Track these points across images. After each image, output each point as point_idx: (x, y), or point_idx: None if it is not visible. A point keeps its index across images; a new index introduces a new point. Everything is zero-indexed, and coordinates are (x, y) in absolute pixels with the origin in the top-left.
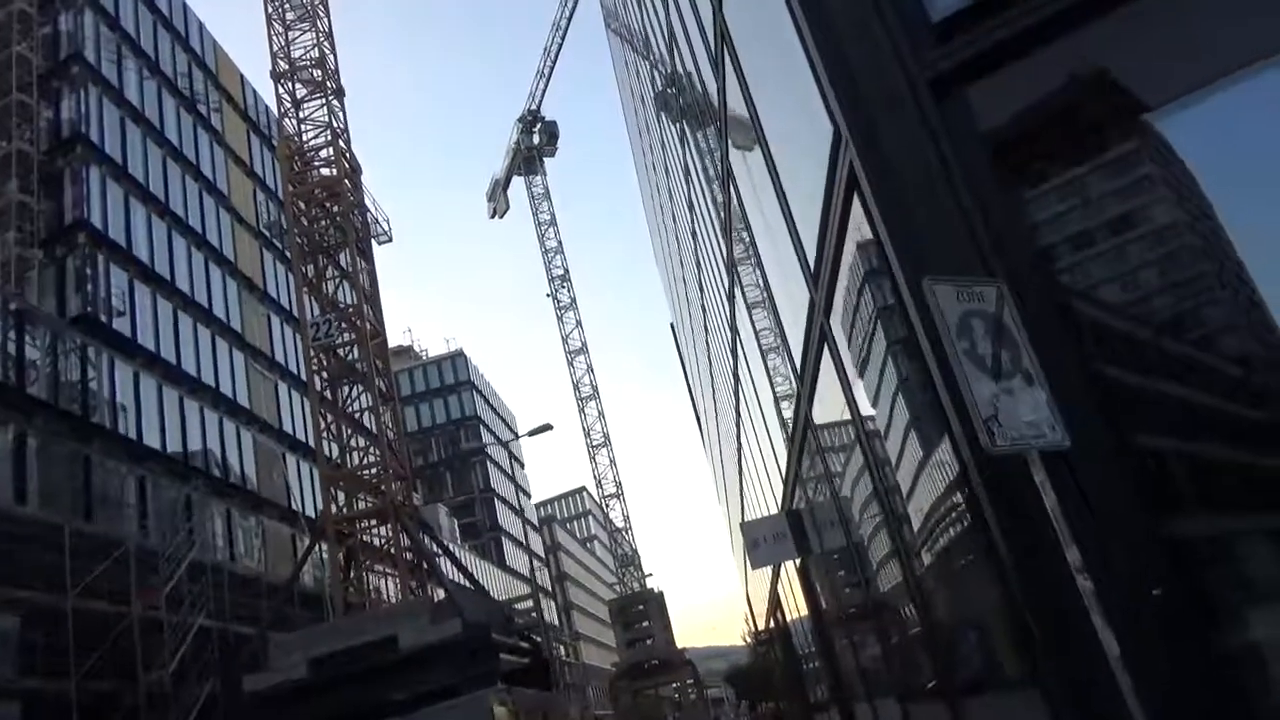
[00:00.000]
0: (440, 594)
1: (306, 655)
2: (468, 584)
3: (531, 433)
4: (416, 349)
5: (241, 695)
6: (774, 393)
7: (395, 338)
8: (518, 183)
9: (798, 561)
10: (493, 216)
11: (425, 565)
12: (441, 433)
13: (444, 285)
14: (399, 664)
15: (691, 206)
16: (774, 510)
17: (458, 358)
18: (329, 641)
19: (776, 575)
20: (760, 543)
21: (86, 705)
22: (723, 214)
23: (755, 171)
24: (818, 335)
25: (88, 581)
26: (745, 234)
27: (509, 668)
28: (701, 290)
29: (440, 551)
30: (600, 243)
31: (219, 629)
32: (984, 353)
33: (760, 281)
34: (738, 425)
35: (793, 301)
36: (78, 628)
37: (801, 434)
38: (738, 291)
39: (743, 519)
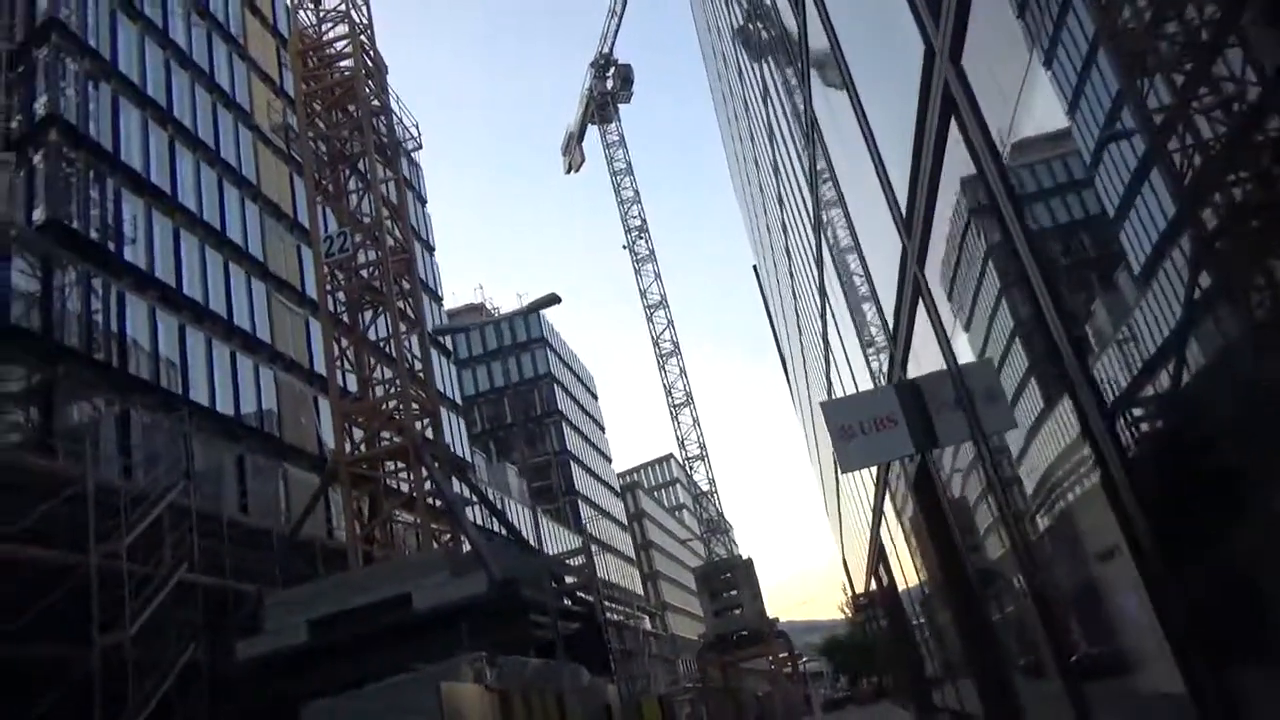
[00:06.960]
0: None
1: (307, 616)
2: (507, 535)
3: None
4: (489, 306)
5: (231, 663)
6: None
7: (466, 295)
8: (592, 134)
9: (912, 466)
10: (568, 171)
11: (451, 511)
12: (514, 392)
13: (518, 244)
14: (413, 626)
15: (771, 135)
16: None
17: (530, 314)
18: (334, 600)
19: (879, 516)
20: (853, 432)
21: (20, 673)
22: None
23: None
24: None
25: (26, 524)
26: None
27: (550, 634)
28: (777, 171)
29: (476, 498)
30: (681, 192)
31: (215, 586)
32: None
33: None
34: (825, 339)
35: None
36: (16, 579)
37: (925, 214)
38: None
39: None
